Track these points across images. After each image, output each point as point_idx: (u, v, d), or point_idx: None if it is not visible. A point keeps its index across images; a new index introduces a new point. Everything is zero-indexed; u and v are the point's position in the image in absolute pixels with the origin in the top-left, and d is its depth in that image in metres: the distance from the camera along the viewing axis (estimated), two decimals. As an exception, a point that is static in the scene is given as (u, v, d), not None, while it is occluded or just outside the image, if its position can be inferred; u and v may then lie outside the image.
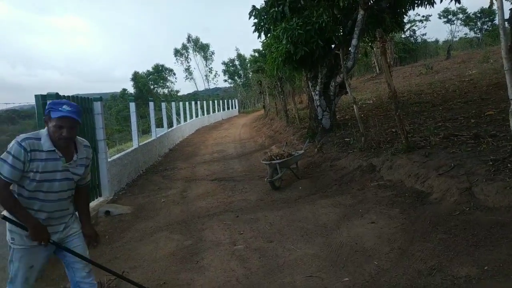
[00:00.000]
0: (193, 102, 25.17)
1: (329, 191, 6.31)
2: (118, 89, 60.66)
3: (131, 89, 55.17)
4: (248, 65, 50.36)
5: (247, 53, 79.40)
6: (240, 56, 60.26)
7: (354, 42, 8.63)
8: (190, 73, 64.17)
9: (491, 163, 4.54)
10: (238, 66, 60.51)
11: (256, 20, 9.66)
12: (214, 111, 32.64)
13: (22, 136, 2.31)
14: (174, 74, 60.81)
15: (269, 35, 9.64)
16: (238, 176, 8.63)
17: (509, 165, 4.31)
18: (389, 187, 5.58)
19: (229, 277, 3.71)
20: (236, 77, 60.51)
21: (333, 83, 9.29)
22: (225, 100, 39.38)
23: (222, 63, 64.56)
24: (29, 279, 2.42)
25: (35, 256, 2.41)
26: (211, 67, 65.17)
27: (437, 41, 45.36)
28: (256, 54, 21.81)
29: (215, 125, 26.81)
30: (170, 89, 59.86)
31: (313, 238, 4.46)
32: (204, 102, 30.39)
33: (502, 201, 3.93)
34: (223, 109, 36.95)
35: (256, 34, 9.76)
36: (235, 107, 43.35)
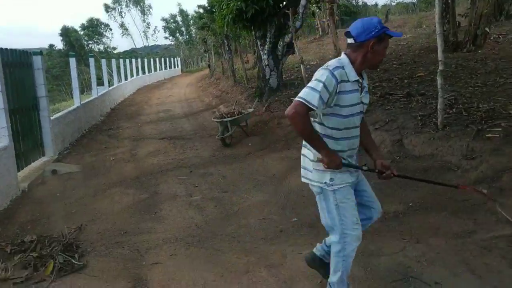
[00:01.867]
0: (133, 60, 24.02)
1: (277, 146, 6.69)
2: (43, 45, 55.04)
3: (59, 45, 50.79)
4: (192, 21, 48.47)
5: (190, 9, 75.86)
6: (182, 12, 57.54)
7: (303, 2, 8.81)
8: (126, 29, 60.30)
9: (419, 118, 5.15)
10: (180, 23, 57.87)
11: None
12: (155, 69, 31.43)
13: (332, 64, 2.08)
14: (111, 29, 56.85)
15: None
16: (187, 134, 8.72)
17: (433, 119, 4.92)
18: (331, 141, 6.08)
19: (189, 224, 3.99)
20: (178, 35, 58.00)
21: (281, 43, 9.49)
22: (167, 59, 37.92)
23: (162, 19, 61.18)
24: (358, 219, 2.24)
25: (352, 194, 2.25)
26: (149, 23, 61.69)
27: (376, 4, 46.81)
28: (201, 11, 21.08)
29: (157, 85, 25.97)
30: (106, 46, 56.06)
31: (264, 187, 4.84)
32: (145, 60, 29.09)
33: (426, 150, 4.56)
34: (165, 68, 35.66)
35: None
36: (178, 66, 41.97)
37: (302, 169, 2.37)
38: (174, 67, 40.17)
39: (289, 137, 6.95)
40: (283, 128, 7.60)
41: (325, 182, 2.17)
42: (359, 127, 2.25)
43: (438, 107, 4.65)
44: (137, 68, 24.89)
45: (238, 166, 5.86)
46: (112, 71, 17.08)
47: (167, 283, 2.93)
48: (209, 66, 25.04)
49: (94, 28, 54.39)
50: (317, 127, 2.19)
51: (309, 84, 2.03)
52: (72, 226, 3.98)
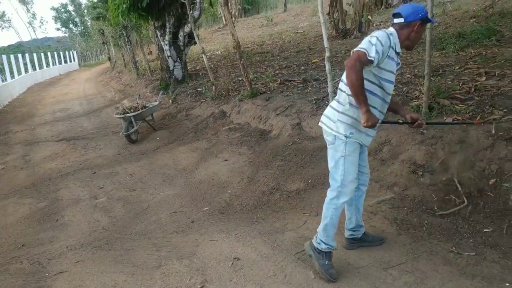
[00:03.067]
0: (19, 55, 21.44)
1: (186, 138, 6.67)
2: None
3: None
4: (86, 11, 44.72)
5: (82, -3, 69.74)
6: (74, 1, 52.71)
7: (198, -9, 8.77)
8: (6, 21, 53.38)
9: (314, 102, 5.59)
10: (73, 13, 53.05)
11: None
12: (48, 65, 28.52)
13: (390, 30, 2.36)
14: (-15, 21, 49.72)
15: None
16: (89, 134, 8.19)
17: (326, 102, 5.38)
18: (238, 129, 6.27)
19: (95, 227, 3.82)
20: (71, 25, 53.13)
21: (182, 33, 9.36)
22: (61, 53, 34.60)
23: (52, 9, 55.34)
24: (356, 175, 2.56)
25: (358, 152, 2.54)
26: (34, 13, 55.44)
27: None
28: None
29: (51, 82, 23.66)
30: (-17, 40, 48.90)
31: (174, 180, 4.83)
32: (34, 54, 26.17)
33: (321, 131, 4.96)
34: (59, 63, 32.55)
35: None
36: (75, 60, 38.63)
37: (324, 117, 2.65)
38: (71, 61, 36.90)
39: (198, 129, 6.98)
40: (192, 120, 7.59)
41: (344, 134, 2.47)
42: (388, 103, 2.54)
43: (329, 90, 5.09)
44: (25, 64, 22.29)
45: (146, 162, 5.72)
46: (-7, 69, 15.07)
47: (74, 291, 2.81)
48: (109, 59, 23.55)
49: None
50: (373, 88, 2.43)
51: (368, 39, 2.26)
52: (-44, 248, 3.54)
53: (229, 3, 6.91)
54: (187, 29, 9.33)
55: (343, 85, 2.50)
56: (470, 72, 5.12)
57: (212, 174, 4.82)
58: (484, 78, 4.78)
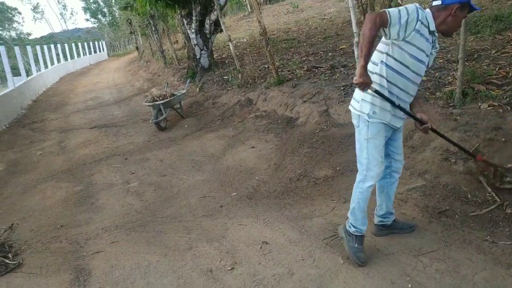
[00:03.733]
0: (52, 46, 22.15)
1: (213, 126, 6.76)
2: None
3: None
4: (114, 1, 45.49)
5: (110, -12, 70.82)
6: (102, -9, 53.69)
7: (225, -21, 8.74)
8: (39, 12, 55.08)
9: (342, 88, 5.51)
10: (101, 3, 54.08)
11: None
12: (79, 55, 29.35)
13: (420, 6, 2.25)
14: (20, 13, 51.52)
15: (136, -32, 9.02)
16: (119, 121, 8.42)
17: (355, 88, 5.30)
18: (264, 116, 6.28)
19: (128, 210, 3.97)
20: (100, 16, 54.25)
21: (208, 21, 9.39)
22: (90, 43, 35.51)
23: (81, 0, 56.69)
24: (383, 160, 2.50)
25: (384, 135, 2.46)
26: (65, 4, 56.93)
27: (301, -21, 47.51)
28: (122, -11, 19.91)
29: (82, 71, 24.37)
30: (19, 32, 50.85)
31: (203, 167, 4.92)
32: (66, 45, 26.98)
33: (350, 117, 4.89)
34: (89, 53, 33.42)
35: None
36: (103, 50, 39.56)
37: (352, 100, 2.62)
38: (100, 51, 37.83)
39: (224, 116, 7.04)
40: (218, 107, 7.66)
41: (367, 113, 2.41)
42: (417, 85, 2.45)
43: (358, 77, 5.01)
44: (58, 54, 23.07)
45: (175, 149, 5.85)
46: (29, 60, 15.66)
47: (110, 269, 2.95)
48: (137, 48, 23.96)
49: (1, 13, 48.88)
50: (384, 57, 2.34)
51: (398, 7, 2.21)
52: (2, 227, 3.77)
53: (256, -10, 6.87)
54: (213, 16, 9.35)
55: (371, 65, 2.43)
56: (507, 57, 4.91)
57: (240, 161, 4.88)
58: (523, 62, 4.57)
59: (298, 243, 2.98)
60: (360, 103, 2.48)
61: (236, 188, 4.13)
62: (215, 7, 8.73)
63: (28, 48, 16.08)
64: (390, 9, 2.19)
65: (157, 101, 6.92)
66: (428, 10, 2.30)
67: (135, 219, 3.75)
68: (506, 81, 4.23)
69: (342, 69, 6.40)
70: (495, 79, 4.32)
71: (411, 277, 2.44)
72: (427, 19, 2.26)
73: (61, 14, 57.63)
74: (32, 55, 15.95)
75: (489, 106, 3.80)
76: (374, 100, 2.40)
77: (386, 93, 2.37)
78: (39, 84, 15.25)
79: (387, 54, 2.34)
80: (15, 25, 51.11)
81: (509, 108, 3.66)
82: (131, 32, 23.16)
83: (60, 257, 3.19)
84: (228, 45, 8.87)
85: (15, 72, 14.01)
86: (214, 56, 10.83)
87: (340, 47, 8.15)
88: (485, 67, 4.70)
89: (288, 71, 7.24)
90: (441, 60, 5.47)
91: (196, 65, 9.97)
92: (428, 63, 2.44)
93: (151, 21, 14.48)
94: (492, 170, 3.11)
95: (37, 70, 16.25)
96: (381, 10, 2.22)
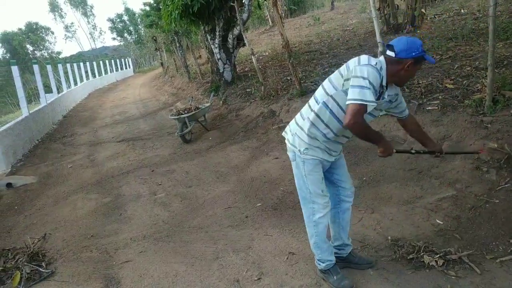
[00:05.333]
0: (81, 64, 23.08)
1: (237, 138, 6.81)
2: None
3: (-1, 52, 47.63)
4: (139, 20, 47.07)
5: (136, 7, 73.52)
6: (128, 11, 55.68)
7: (247, -6, 8.92)
8: (71, 32, 57.65)
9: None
10: (127, 22, 56.05)
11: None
12: (106, 72, 30.41)
13: (373, 60, 2.12)
14: (52, 33, 54.09)
15: (161, -13, 9.34)
16: (146, 135, 8.63)
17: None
18: (288, 128, 6.28)
19: (155, 221, 4.03)
20: (126, 34, 56.18)
21: (231, 36, 9.57)
22: (117, 60, 36.76)
23: (108, 20, 58.99)
24: (324, 191, 2.44)
25: (321, 169, 2.41)
26: (95, 24, 59.42)
27: (322, -7, 47.83)
28: (147, 8, 20.54)
29: (109, 87, 25.21)
30: (50, 51, 53.25)
31: (228, 178, 4.96)
32: (94, 63, 28.04)
33: (375, 127, 4.81)
34: (116, 70, 34.57)
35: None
36: (129, 67, 40.85)
37: (287, 128, 2.54)
38: (126, 68, 39.07)
39: (248, 128, 7.09)
40: (242, 119, 7.73)
41: (299, 150, 2.36)
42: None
43: (382, 86, 4.96)
44: (86, 72, 24.01)
45: (200, 160, 5.92)
46: (60, 77, 16.37)
47: (139, 278, 2.99)
48: (161, 64, 24.60)
49: (34, 32, 51.43)
50: (326, 99, 2.25)
51: (359, 84, 2.04)
52: (36, 236, 3.91)
53: (277, 4, 6.99)
54: (236, 31, 9.52)
55: (312, 101, 2.35)
56: (539, 62, 4.75)
57: (264, 172, 4.89)
58: (556, 68, 4.41)
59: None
60: (294, 137, 2.41)
61: (261, 199, 4.14)
62: (238, 22, 8.90)
63: (59, 66, 16.81)
64: (359, 97, 2.03)
65: (182, 114, 7.06)
66: (382, 59, 2.18)
67: (162, 229, 3.81)
68: (539, 87, 4.08)
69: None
70: (527, 85, 4.18)
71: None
72: (381, 76, 2.13)
73: (90, 33, 59.84)
74: (63, 72, 16.65)
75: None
76: (305, 138, 2.34)
77: (318, 133, 2.30)
78: (69, 100, 15.86)
79: (332, 96, 2.24)
80: (47, 44, 53.56)
81: (543, 114, 3.54)
82: (156, 49, 23.83)
83: (90, 266, 3.27)
84: (251, 59, 8.98)
85: (47, 89, 14.66)
86: (237, 69, 10.99)
87: (363, 58, 8.11)
88: (516, 73, 4.56)
89: (311, 82, 7.25)
90: (468, 68, 5.35)
91: (219, 79, 10.13)
92: (377, 111, 2.33)
93: (175, 37, 14.87)
94: (504, 157, 2.99)
95: (67, 87, 16.93)
96: (352, 104, 2.04)
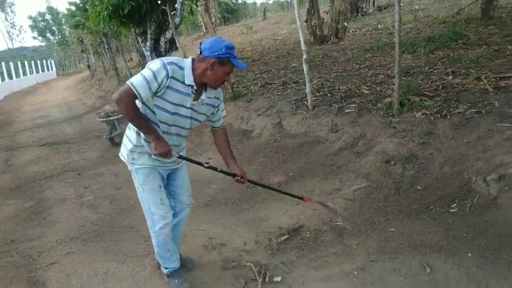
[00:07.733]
0: (-5, 64, 21.10)
1: (169, 140, 6.78)
2: None
3: None
4: (63, 20, 44.14)
5: (61, 6, 68.85)
6: (51, 10, 51.96)
7: (179, -2, 8.96)
8: (-16, 29, 52.17)
9: (293, 102, 5.83)
10: (51, 21, 52.24)
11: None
12: (25, 74, 28.06)
13: (169, 59, 2.11)
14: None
15: (89, -14, 9.00)
16: (71, 138, 8.20)
17: (305, 102, 5.64)
18: (221, 130, 6.43)
19: (83, 223, 3.91)
20: (48, 34, 52.30)
21: (163, 39, 9.51)
22: (38, 62, 34.09)
23: (29, 18, 54.44)
24: (163, 200, 2.42)
25: (156, 178, 2.38)
26: (14, 22, 54.52)
27: (255, 3, 49.19)
28: (73, 8, 19.47)
29: (29, 90, 23.31)
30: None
31: (160, 178, 4.95)
32: (11, 63, 25.74)
33: (301, 128, 5.22)
34: (37, 72, 32.06)
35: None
36: (52, 69, 38.14)
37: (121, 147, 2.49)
38: (48, 70, 36.42)
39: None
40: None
41: (128, 160, 2.37)
42: (185, 135, 2.41)
43: (307, 91, 5.35)
44: (1, 73, 21.94)
45: (131, 163, 5.81)
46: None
47: (66, 279, 2.91)
48: (88, 67, 23.39)
49: None
50: (150, 113, 2.23)
51: (142, 72, 2.07)
52: None
53: (209, 11, 7.15)
54: (168, 35, 9.48)
55: None
56: (438, 72, 5.49)
57: (197, 171, 4.93)
58: (451, 77, 5.14)
59: (250, 241, 3.15)
60: (123, 148, 2.42)
61: (194, 197, 4.16)
62: (170, 26, 8.89)
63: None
64: (133, 81, 2.05)
65: (111, 116, 6.86)
66: (189, 60, 2.16)
67: (91, 230, 3.71)
68: (436, 93, 4.73)
69: (293, 85, 6.76)
70: (427, 91, 4.82)
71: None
72: (182, 75, 2.13)
73: (8, 32, 54.67)
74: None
75: (422, 114, 4.23)
76: (130, 146, 2.33)
77: (138, 136, 2.29)
78: (-19, 103, 14.41)
79: (153, 112, 2.22)
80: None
81: (439, 116, 4.11)
82: (82, 51, 22.64)
83: (11, 270, 3.09)
84: (184, 63, 8.99)
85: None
86: (170, 73, 10.89)
87: (291, 65, 8.59)
88: (419, 81, 5.22)
89: (243, 87, 7.51)
90: (382, 76, 5.98)
91: (151, 82, 9.97)
92: (199, 114, 2.33)
93: (104, 39, 14.33)
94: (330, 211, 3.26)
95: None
96: (125, 86, 2.07)
